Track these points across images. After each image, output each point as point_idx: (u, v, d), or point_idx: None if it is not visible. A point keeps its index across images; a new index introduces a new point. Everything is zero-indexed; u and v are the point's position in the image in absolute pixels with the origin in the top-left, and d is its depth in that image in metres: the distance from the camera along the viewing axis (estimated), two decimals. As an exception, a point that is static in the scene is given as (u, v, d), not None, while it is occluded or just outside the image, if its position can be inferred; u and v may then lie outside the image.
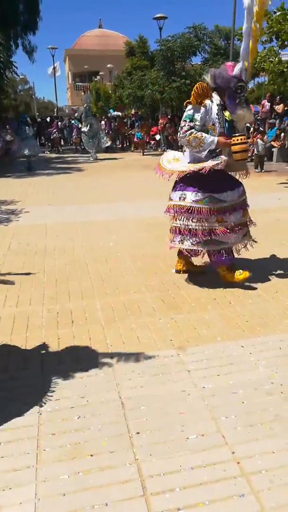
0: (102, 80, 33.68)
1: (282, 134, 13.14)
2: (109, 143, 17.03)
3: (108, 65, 33.03)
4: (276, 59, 9.80)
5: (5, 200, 8.54)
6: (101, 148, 16.22)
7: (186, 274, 4.26)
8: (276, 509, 1.72)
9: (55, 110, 33.07)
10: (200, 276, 4.19)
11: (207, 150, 3.66)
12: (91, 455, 2.03)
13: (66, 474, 1.92)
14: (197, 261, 4.35)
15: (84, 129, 15.45)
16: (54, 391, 2.49)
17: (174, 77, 15.93)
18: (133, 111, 21.36)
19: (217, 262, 3.91)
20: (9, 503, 1.78)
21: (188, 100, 3.68)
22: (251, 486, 1.83)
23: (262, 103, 15.74)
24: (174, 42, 16.21)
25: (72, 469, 1.95)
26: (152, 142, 19.83)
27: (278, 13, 9.59)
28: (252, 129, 12.78)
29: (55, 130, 19.46)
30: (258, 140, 11.26)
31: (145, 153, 18.22)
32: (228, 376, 2.61)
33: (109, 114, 19.98)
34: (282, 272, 4.26)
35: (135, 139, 18.47)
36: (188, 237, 3.84)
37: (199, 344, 2.98)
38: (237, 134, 3.66)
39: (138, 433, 2.16)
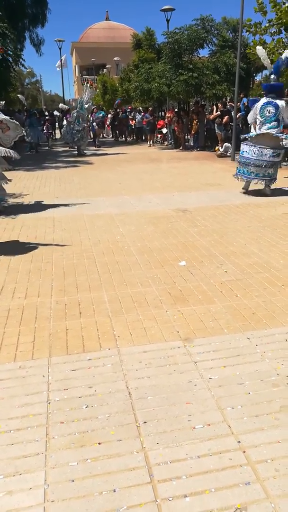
0: (109, 73, 33.55)
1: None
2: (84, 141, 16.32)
3: (115, 58, 32.85)
4: (285, 50, 9.68)
5: (14, 193, 8.59)
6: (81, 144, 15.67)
7: (193, 267, 4.27)
8: (281, 497, 1.75)
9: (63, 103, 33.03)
10: (205, 268, 4.20)
11: None
12: (99, 443, 2.07)
13: (75, 461, 1.96)
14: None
15: (77, 127, 14.98)
16: (62, 381, 2.53)
17: (181, 70, 15.80)
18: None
19: None
20: (19, 489, 1.82)
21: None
22: (256, 474, 1.86)
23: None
24: (182, 35, 16.05)
25: (80, 456, 1.99)
26: (159, 135, 19.78)
27: (287, 4, 9.47)
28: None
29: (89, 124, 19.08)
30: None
31: (151, 145, 18.19)
32: (235, 367, 2.63)
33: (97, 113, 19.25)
34: (289, 265, 4.26)
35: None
36: None
37: (205, 336, 3.01)
38: None
39: (145, 422, 2.19)
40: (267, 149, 7.54)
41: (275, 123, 7.49)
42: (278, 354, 2.75)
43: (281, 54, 9.43)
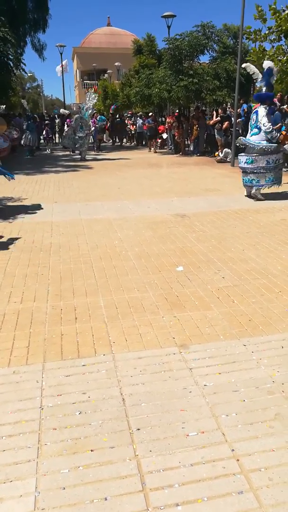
0: (110, 78, 33.68)
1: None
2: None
3: (116, 63, 32.98)
4: (285, 57, 9.74)
5: (12, 197, 8.59)
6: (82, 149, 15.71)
7: (190, 272, 4.27)
8: (274, 506, 1.73)
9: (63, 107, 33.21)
10: (203, 274, 4.19)
11: None
12: (92, 450, 2.05)
13: (67, 468, 1.94)
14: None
15: (80, 133, 15.03)
16: (56, 387, 2.51)
17: (181, 76, 15.88)
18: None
19: None
20: (9, 496, 1.80)
21: None
22: (250, 483, 1.84)
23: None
24: (182, 41, 16.14)
25: (72, 463, 1.97)
26: (159, 140, 19.82)
27: (286, 11, 9.52)
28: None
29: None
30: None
31: (154, 151, 18.24)
32: (230, 374, 2.61)
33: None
34: (286, 271, 4.25)
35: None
36: None
37: (201, 342, 2.99)
38: None
39: (138, 429, 2.17)
40: (243, 156, 7.85)
41: (256, 130, 7.74)
42: (274, 361, 2.74)
43: (280, 61, 9.52)
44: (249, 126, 8.13)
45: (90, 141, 18.25)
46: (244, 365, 2.70)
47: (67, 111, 21.42)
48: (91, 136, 18.05)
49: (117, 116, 22.26)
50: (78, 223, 6.39)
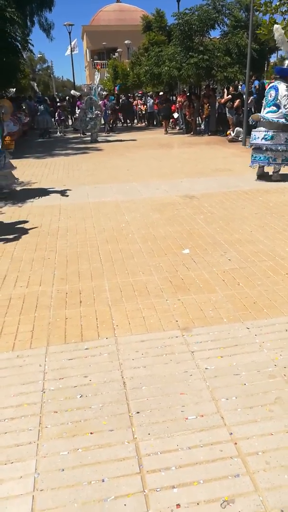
0: (120, 57, 33.08)
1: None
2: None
3: (126, 41, 32.29)
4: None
5: (22, 181, 8.59)
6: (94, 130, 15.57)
7: (196, 255, 4.23)
8: (270, 490, 1.73)
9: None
10: (209, 256, 4.16)
11: None
12: (91, 433, 2.07)
13: (66, 450, 1.98)
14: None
15: (91, 114, 14.90)
16: (58, 370, 2.54)
17: (191, 52, 15.45)
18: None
19: None
20: (9, 477, 1.85)
21: None
22: (246, 467, 1.85)
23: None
24: (192, 15, 15.65)
25: (72, 445, 2.00)
26: (171, 120, 19.49)
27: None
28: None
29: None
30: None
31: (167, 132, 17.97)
32: (232, 357, 2.60)
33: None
34: (294, 253, 4.18)
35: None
36: None
37: (204, 325, 2.98)
38: None
39: (138, 412, 2.19)
40: (260, 132, 7.44)
41: (274, 107, 7.30)
42: (277, 345, 2.71)
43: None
44: (264, 101, 7.62)
45: (102, 122, 18.09)
46: (247, 349, 2.68)
47: (78, 93, 21.15)
48: (102, 118, 17.89)
49: (123, 96, 21.92)
50: (86, 206, 6.37)
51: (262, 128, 7.46)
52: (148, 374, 2.48)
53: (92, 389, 2.37)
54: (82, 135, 17.54)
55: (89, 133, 15.89)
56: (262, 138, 7.41)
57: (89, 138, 15.82)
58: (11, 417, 2.19)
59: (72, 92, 21.88)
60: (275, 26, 7.75)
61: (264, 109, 7.57)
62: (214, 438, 2.00)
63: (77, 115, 17.19)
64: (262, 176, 7.77)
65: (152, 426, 2.09)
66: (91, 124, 15.12)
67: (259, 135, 7.49)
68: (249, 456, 1.90)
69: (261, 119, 7.45)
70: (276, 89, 7.30)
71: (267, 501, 1.68)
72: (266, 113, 7.44)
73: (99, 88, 15.13)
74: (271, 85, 7.50)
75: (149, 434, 2.05)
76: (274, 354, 2.61)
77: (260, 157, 7.60)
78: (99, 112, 15.27)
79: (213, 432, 2.04)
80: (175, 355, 2.65)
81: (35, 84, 20.79)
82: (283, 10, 9.31)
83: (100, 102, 15.95)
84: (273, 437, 1.99)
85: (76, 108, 19.12)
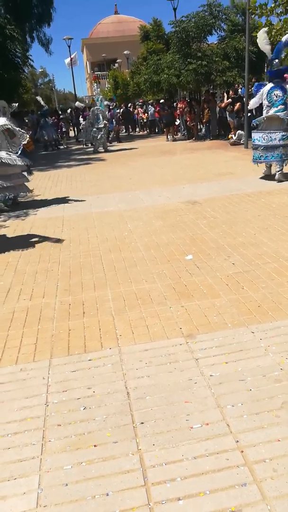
0: (120, 67, 33.37)
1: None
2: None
3: (125, 52, 32.58)
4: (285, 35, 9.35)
5: (25, 194, 8.63)
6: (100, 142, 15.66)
7: (199, 260, 4.20)
8: (278, 498, 1.69)
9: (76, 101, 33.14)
10: (212, 261, 4.12)
11: None
12: (95, 446, 2.04)
13: (70, 464, 1.95)
14: None
15: (98, 125, 15.04)
16: (61, 383, 2.52)
17: (190, 59, 15.53)
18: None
19: None
20: (12, 493, 1.82)
21: None
22: (253, 475, 1.80)
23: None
24: (189, 23, 15.77)
25: (75, 459, 1.97)
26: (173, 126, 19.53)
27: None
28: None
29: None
30: None
31: (170, 139, 18.02)
32: (237, 363, 2.56)
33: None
34: (298, 254, 4.13)
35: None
36: None
37: (208, 331, 2.94)
38: None
39: (142, 423, 2.15)
40: (276, 133, 7.40)
41: (283, 106, 7.33)
42: (283, 348, 2.66)
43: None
44: (266, 102, 7.51)
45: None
46: (252, 353, 2.64)
47: (82, 105, 21.32)
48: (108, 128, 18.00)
49: (123, 106, 22.08)
50: (89, 217, 6.39)
51: (276, 130, 7.44)
52: (152, 383, 2.45)
53: (95, 401, 2.35)
54: (84, 146, 17.68)
55: (92, 144, 16.00)
56: (280, 139, 7.40)
57: (92, 149, 15.94)
58: (14, 431, 2.17)
59: (77, 104, 22.07)
60: (259, 32, 7.81)
61: (271, 109, 7.47)
62: (220, 447, 1.96)
63: (81, 126, 17.40)
64: (268, 176, 7.77)
65: (156, 437, 2.06)
66: (100, 134, 15.19)
67: (275, 136, 7.43)
68: (256, 464, 1.85)
69: (280, 117, 7.34)
70: (283, 89, 7.34)
71: (275, 510, 1.64)
72: (275, 113, 7.40)
73: (100, 98, 15.23)
74: (271, 85, 7.45)
75: (153, 444, 2.01)
76: (279, 358, 2.57)
77: (272, 156, 7.56)
78: (106, 122, 15.40)
79: (219, 441, 2.00)
80: (179, 363, 2.62)
81: (40, 99, 21.04)
82: (279, 11, 9.33)
83: (108, 112, 16.09)
84: (280, 443, 1.95)
85: (81, 119, 19.29)
